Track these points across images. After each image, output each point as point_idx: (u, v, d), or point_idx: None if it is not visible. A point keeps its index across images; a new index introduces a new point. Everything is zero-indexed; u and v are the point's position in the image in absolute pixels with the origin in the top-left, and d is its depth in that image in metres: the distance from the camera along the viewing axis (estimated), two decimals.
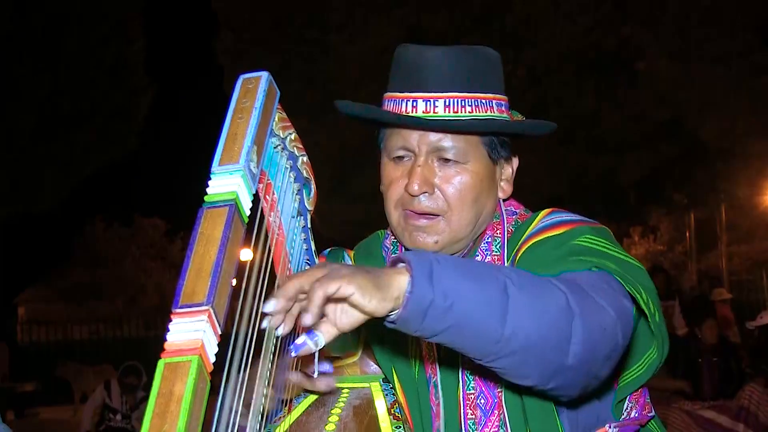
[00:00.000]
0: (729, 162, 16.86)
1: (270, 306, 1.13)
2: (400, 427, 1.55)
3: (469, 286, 1.20)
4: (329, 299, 1.14)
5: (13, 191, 15.74)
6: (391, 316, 1.18)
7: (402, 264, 1.21)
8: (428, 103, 1.55)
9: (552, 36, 16.93)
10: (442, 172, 1.59)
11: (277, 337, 1.22)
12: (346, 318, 1.18)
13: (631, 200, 19.67)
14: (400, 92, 1.59)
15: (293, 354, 1.17)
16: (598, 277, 1.39)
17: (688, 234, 20.10)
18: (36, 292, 25.53)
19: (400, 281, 1.16)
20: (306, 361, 1.50)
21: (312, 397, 1.63)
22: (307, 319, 1.12)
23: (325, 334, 1.17)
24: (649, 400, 1.67)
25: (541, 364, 1.26)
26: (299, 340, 1.16)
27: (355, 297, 1.12)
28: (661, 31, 16.34)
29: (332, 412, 1.57)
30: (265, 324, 1.16)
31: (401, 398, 1.64)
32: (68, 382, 13.95)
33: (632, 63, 16.82)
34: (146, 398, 7.28)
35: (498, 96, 1.62)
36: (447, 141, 1.57)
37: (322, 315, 1.19)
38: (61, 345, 18.31)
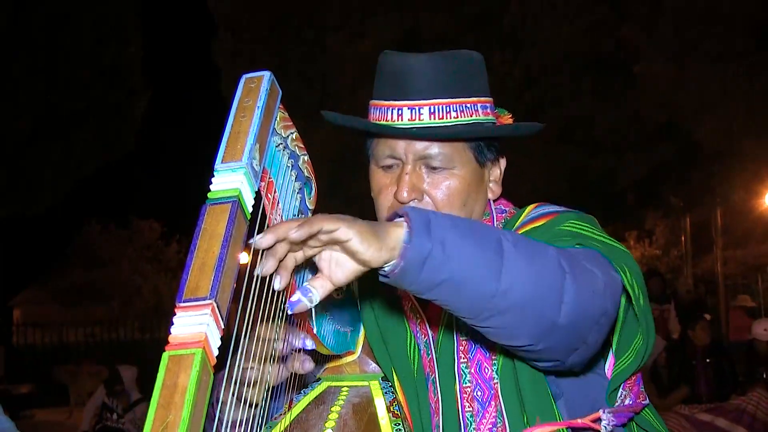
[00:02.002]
0: (725, 165, 16.88)
1: (259, 240, 1.14)
2: (400, 424, 1.56)
3: (466, 240, 1.21)
4: (328, 240, 1.15)
5: (8, 193, 15.71)
6: (386, 268, 1.19)
7: (400, 218, 1.22)
8: (413, 110, 1.57)
9: (549, 37, 16.95)
10: (430, 178, 1.61)
11: (275, 294, 1.23)
12: (340, 271, 1.19)
13: (627, 203, 19.69)
14: (385, 100, 1.61)
15: (290, 311, 1.17)
16: (585, 250, 1.42)
17: (683, 238, 20.11)
18: (31, 295, 25.50)
19: (398, 233, 1.18)
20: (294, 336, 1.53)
21: (312, 395, 1.64)
22: (294, 234, 1.12)
23: (319, 290, 1.18)
24: (643, 389, 1.69)
25: (533, 322, 1.28)
26: (294, 297, 1.17)
27: (353, 242, 1.13)
28: (657, 33, 16.36)
29: (332, 409, 1.58)
30: (257, 271, 1.17)
31: (400, 396, 1.66)
32: (64, 385, 13.93)
33: (629, 64, 16.85)
34: (141, 400, 7.20)
35: (483, 99, 1.64)
36: (433, 148, 1.60)
37: (315, 270, 1.20)
38: (57, 347, 18.29)
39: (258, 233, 1.30)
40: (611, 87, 17.08)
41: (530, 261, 1.26)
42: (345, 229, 1.13)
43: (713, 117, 15.94)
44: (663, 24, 16.28)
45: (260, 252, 1.20)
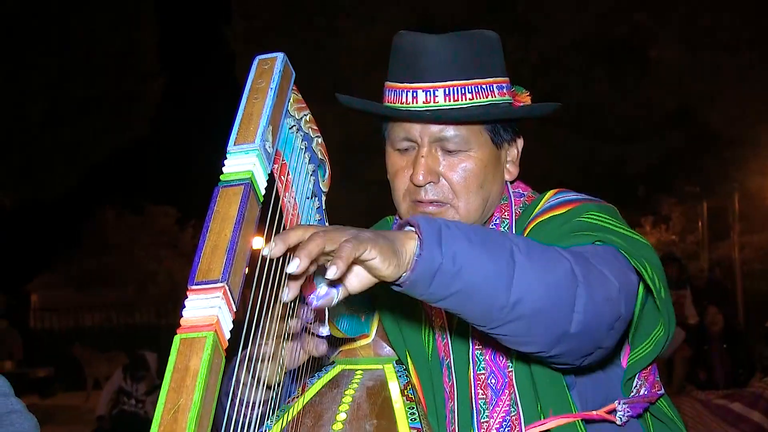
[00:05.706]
0: (740, 151, 16.78)
1: (271, 251, 1.13)
2: (414, 408, 1.55)
3: (478, 252, 1.20)
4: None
5: (23, 178, 15.80)
6: (399, 279, 1.18)
7: (410, 228, 1.21)
8: (428, 93, 1.56)
9: (563, 23, 16.85)
10: (446, 160, 1.60)
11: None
12: (356, 281, 1.19)
13: (641, 189, 19.58)
14: (400, 82, 1.60)
15: (315, 304, 1.17)
16: (603, 250, 1.41)
17: (700, 223, 19.98)
18: (48, 279, 25.62)
19: (411, 246, 1.17)
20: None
21: (326, 378, 1.63)
22: (333, 273, 1.10)
23: (341, 291, 1.18)
24: (658, 378, 1.68)
25: (544, 331, 1.28)
26: (322, 291, 1.17)
27: (376, 261, 1.13)
28: (672, 19, 16.24)
29: (346, 393, 1.58)
30: (264, 251, 1.15)
31: (415, 380, 1.65)
32: (81, 369, 14.05)
33: (643, 51, 16.73)
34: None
35: (499, 79, 1.62)
36: (449, 131, 1.58)
37: None
38: (73, 332, 18.44)
39: (271, 216, 1.29)
40: (624, 73, 16.97)
41: (543, 272, 1.25)
42: (370, 251, 1.12)
43: (727, 103, 15.83)
44: (677, 10, 16.16)
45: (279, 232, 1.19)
